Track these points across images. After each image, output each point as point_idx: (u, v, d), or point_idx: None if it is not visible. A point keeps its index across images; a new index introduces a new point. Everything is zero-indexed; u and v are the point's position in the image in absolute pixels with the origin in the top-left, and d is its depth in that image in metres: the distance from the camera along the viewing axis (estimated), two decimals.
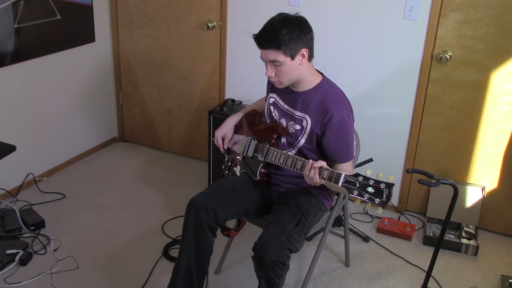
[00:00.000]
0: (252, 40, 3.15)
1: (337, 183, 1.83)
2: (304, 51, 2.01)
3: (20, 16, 3.07)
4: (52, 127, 3.52)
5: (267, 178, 2.27)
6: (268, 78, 2.10)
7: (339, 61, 3.13)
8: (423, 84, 2.99)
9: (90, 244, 2.85)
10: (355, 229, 3.06)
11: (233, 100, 3.35)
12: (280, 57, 1.97)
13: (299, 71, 2.04)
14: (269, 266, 1.95)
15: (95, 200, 3.30)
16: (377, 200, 1.75)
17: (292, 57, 1.99)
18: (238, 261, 2.75)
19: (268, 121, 2.30)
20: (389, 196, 1.74)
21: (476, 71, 2.87)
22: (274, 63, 2.00)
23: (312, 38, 2.05)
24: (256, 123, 2.32)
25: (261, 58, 2.04)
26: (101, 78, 3.89)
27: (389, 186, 1.74)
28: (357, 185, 1.78)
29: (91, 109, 3.86)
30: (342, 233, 2.85)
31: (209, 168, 3.36)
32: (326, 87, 2.12)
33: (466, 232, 2.99)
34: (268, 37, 1.97)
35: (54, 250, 2.76)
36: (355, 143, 2.36)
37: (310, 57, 2.06)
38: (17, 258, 2.63)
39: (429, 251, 2.76)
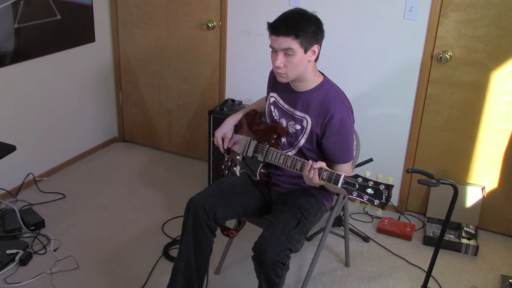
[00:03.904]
0: (252, 40, 3.14)
1: (337, 184, 1.83)
2: (316, 48, 2.02)
3: (20, 16, 3.07)
4: (52, 127, 3.53)
5: (267, 178, 2.27)
6: (274, 70, 2.06)
7: (339, 61, 3.13)
8: (423, 84, 2.99)
9: (90, 244, 2.85)
10: (355, 229, 3.06)
11: (233, 100, 3.35)
12: (295, 45, 1.96)
13: (306, 67, 2.04)
14: (269, 266, 1.95)
15: (95, 200, 3.30)
16: (376, 202, 1.75)
17: (305, 50, 1.99)
18: (238, 261, 2.75)
19: (268, 121, 2.30)
20: (388, 198, 1.74)
21: (476, 71, 2.87)
22: (287, 51, 1.97)
23: (323, 39, 2.05)
24: (256, 123, 2.32)
25: (272, 47, 2.01)
26: (101, 78, 3.89)
27: (389, 187, 1.74)
28: (357, 186, 1.78)
29: (91, 109, 3.86)
30: (342, 233, 2.85)
31: (209, 168, 3.37)
32: (327, 87, 2.12)
33: (466, 232, 2.99)
34: (288, 23, 1.96)
35: (54, 250, 2.76)
36: (355, 143, 2.36)
37: (317, 57, 2.06)
38: (17, 258, 2.63)
39: (429, 251, 2.76)
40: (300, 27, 1.95)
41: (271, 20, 2.02)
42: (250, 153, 2.24)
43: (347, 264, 2.77)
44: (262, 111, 2.39)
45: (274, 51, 2.02)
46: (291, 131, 2.17)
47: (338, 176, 1.83)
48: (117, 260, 2.73)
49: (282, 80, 2.08)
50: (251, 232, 2.32)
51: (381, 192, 1.74)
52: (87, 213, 3.15)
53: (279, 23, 1.98)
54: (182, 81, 3.74)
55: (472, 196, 3.06)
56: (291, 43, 1.96)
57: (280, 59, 2.00)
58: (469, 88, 2.92)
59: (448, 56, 2.88)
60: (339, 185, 1.82)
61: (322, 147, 2.12)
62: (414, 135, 3.11)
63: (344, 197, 2.40)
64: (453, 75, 2.93)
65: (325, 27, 2.05)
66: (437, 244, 2.16)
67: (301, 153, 2.17)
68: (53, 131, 3.54)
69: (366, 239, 3.00)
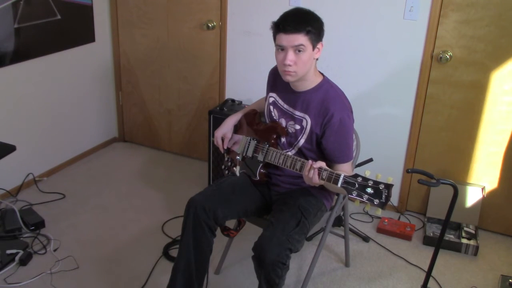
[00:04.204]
0: (252, 40, 3.12)
1: (336, 183, 1.83)
2: (320, 45, 2.04)
3: (20, 16, 3.07)
4: (52, 127, 3.53)
5: (267, 178, 2.27)
6: (282, 68, 2.03)
7: (339, 61, 3.13)
8: (423, 84, 2.99)
9: (90, 244, 2.85)
10: (355, 229, 3.06)
11: (233, 100, 3.35)
12: (306, 42, 1.96)
13: (312, 64, 2.05)
14: (269, 266, 1.95)
15: (95, 200, 3.30)
16: (376, 201, 1.75)
17: (313, 47, 2.00)
18: (238, 261, 2.75)
19: (267, 121, 2.30)
20: (388, 197, 1.73)
21: (476, 71, 2.87)
22: (298, 48, 1.97)
23: (323, 37, 2.06)
24: (255, 123, 2.32)
25: (281, 45, 1.99)
26: (101, 78, 3.89)
27: (388, 187, 1.74)
28: (356, 186, 1.77)
29: (91, 109, 3.86)
30: (342, 233, 2.85)
31: (209, 168, 3.37)
32: (327, 87, 2.12)
33: (466, 232, 2.99)
34: (297, 20, 1.97)
35: (54, 250, 2.76)
36: (355, 143, 2.36)
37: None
38: (17, 258, 2.63)
39: (429, 251, 2.76)
40: (309, 23, 1.96)
41: (272, 20, 2.02)
42: (250, 153, 2.24)
43: (347, 264, 2.77)
44: (261, 111, 2.39)
45: (281, 50, 2.01)
46: (290, 131, 2.17)
47: (338, 175, 1.83)
48: (117, 260, 2.73)
49: (290, 79, 2.06)
50: (251, 232, 2.32)
51: (380, 192, 1.74)
52: (87, 213, 3.15)
53: (288, 20, 1.98)
54: (182, 81, 3.74)
55: (472, 196, 3.06)
56: (303, 39, 1.96)
57: (291, 57, 1.98)
58: (469, 88, 2.92)
59: (448, 56, 2.88)
60: (339, 184, 1.82)
61: (321, 147, 2.12)
62: (414, 135, 3.11)
63: (344, 197, 2.40)
64: (453, 75, 2.93)
65: (325, 27, 2.05)
66: (437, 244, 2.16)
67: (300, 153, 2.17)
68: (53, 131, 3.54)
69: (366, 239, 3.00)
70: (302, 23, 1.96)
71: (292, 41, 1.96)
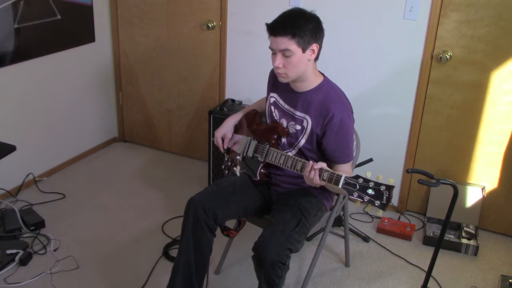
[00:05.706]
0: (252, 40, 3.12)
1: (337, 184, 1.83)
2: (315, 47, 2.02)
3: (20, 16, 3.07)
4: (52, 127, 3.53)
5: (267, 179, 2.27)
6: (274, 70, 2.06)
7: (339, 61, 3.13)
8: (423, 84, 2.99)
9: (90, 244, 2.85)
10: (355, 229, 3.06)
11: (233, 100, 3.35)
12: (292, 46, 1.96)
13: (306, 66, 2.04)
14: (269, 266, 1.95)
15: (95, 200, 3.30)
16: (377, 202, 1.75)
17: (304, 50, 1.99)
18: (238, 261, 2.75)
19: (268, 121, 2.30)
20: (389, 199, 1.74)
21: (476, 71, 2.87)
22: (284, 53, 1.97)
23: (323, 38, 2.05)
24: (256, 123, 2.32)
25: (271, 48, 2.01)
26: (101, 78, 3.89)
27: (389, 188, 1.74)
28: (357, 187, 1.78)
29: (91, 109, 3.86)
30: (342, 233, 2.85)
31: (209, 168, 3.37)
32: (327, 87, 2.12)
33: (466, 232, 2.99)
34: (284, 23, 1.96)
35: (54, 250, 2.76)
36: (355, 143, 2.36)
37: (317, 56, 2.06)
38: (17, 258, 2.63)
39: (429, 251, 2.76)
40: (296, 26, 1.95)
41: (271, 20, 2.02)
42: (250, 153, 2.24)
43: (347, 264, 2.77)
44: (262, 111, 2.39)
45: (273, 52, 2.02)
46: (291, 132, 2.17)
47: (339, 176, 1.83)
48: (117, 260, 2.73)
49: (283, 80, 2.08)
50: (251, 232, 2.31)
51: (381, 193, 1.74)
52: (87, 213, 3.15)
53: (276, 23, 1.98)
54: (182, 81, 3.74)
55: (472, 196, 3.06)
56: (288, 43, 1.95)
57: (279, 60, 1.99)
58: (469, 88, 2.92)
59: (448, 56, 2.88)
60: (340, 185, 1.82)
61: (322, 147, 2.12)
62: (414, 135, 3.11)
63: (344, 197, 2.41)
64: (453, 75, 2.93)
65: (325, 27, 2.05)
66: (437, 244, 2.16)
67: (301, 153, 2.17)
68: (53, 131, 3.54)
69: (366, 239, 3.00)
70: (289, 26, 1.95)
71: (279, 45, 1.97)
